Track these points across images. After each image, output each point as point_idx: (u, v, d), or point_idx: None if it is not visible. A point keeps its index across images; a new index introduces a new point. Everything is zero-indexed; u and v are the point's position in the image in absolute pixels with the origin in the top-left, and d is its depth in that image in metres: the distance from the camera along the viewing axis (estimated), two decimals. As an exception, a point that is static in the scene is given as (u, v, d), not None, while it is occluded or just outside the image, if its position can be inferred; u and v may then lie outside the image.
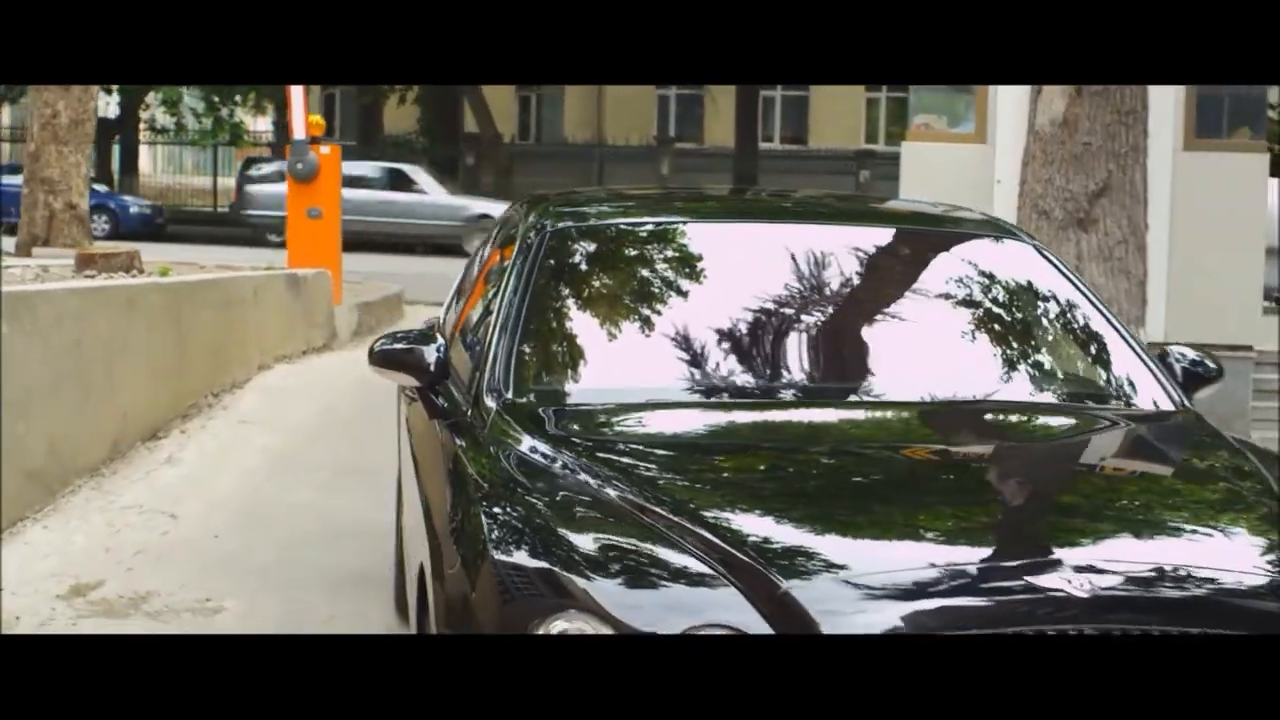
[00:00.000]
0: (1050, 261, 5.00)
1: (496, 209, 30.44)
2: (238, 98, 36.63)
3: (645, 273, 4.86)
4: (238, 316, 10.00)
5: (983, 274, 4.94)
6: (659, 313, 4.68)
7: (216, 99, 35.11)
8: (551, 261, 4.77)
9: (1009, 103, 10.18)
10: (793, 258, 4.82)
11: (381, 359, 4.75)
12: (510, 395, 4.30)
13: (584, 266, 4.90)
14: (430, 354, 4.67)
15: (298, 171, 12.67)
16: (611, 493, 3.60)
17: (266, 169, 33.40)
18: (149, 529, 7.58)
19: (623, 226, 5.14)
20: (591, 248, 4.98)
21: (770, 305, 4.65)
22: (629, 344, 4.60)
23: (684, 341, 4.54)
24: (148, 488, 8.18)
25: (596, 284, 4.85)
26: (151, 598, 6.66)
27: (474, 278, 5.87)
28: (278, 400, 9.94)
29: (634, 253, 4.97)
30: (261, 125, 43.42)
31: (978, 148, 10.54)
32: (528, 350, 4.48)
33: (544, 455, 3.89)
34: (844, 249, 4.88)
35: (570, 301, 4.76)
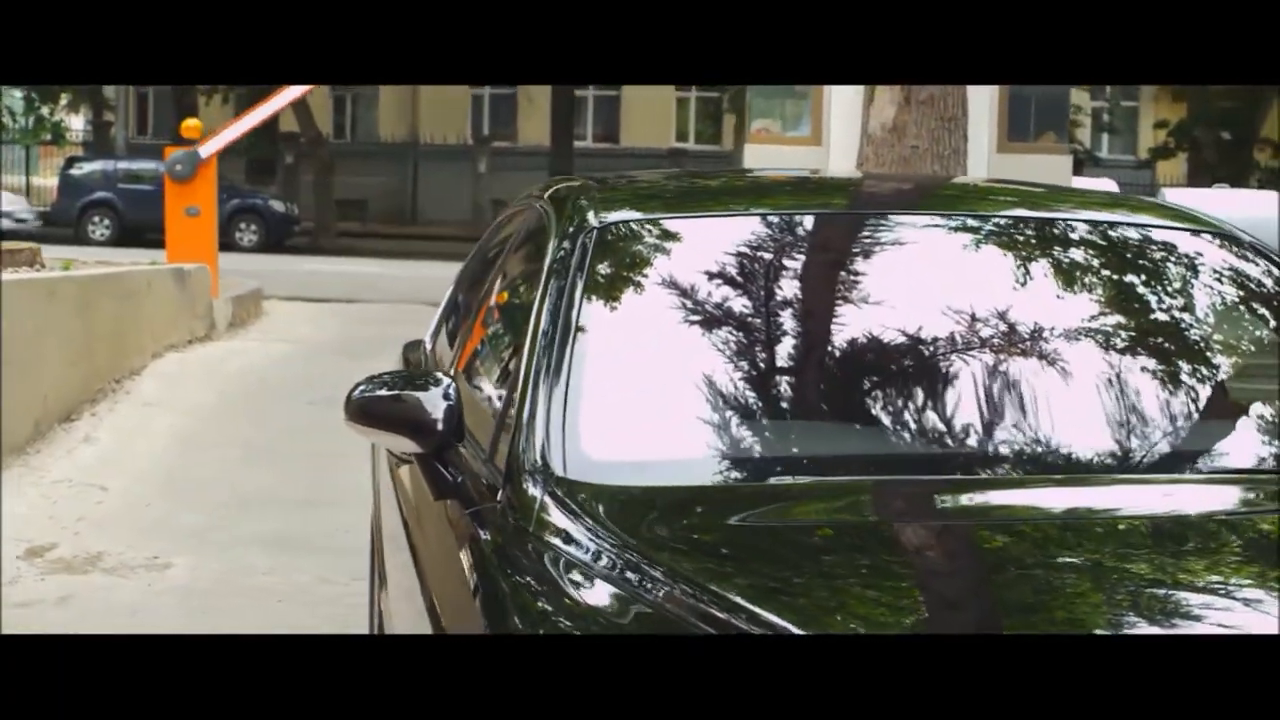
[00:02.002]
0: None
1: None
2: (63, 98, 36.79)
3: (755, 287, 3.42)
4: (134, 308, 10.73)
5: (1211, 286, 3.68)
6: (782, 344, 3.34)
7: (35, 98, 35.20)
8: (607, 273, 3.42)
9: (841, 109, 11.24)
10: (956, 262, 3.57)
11: (364, 414, 3.31)
12: (562, 473, 2.91)
13: (658, 280, 3.44)
14: (437, 405, 3.20)
15: (176, 173, 13.38)
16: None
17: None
18: (83, 500, 8.31)
19: (711, 222, 3.72)
20: (666, 253, 3.58)
21: (943, 332, 3.29)
22: (742, 391, 3.19)
23: (824, 383, 3.30)
24: (72, 464, 8.90)
25: (681, 305, 3.37)
26: (104, 557, 7.40)
27: (478, 296, 4.47)
28: (175, 385, 10.69)
29: (733, 259, 3.49)
30: (76, 124, 43.36)
31: (813, 149, 11.61)
32: (584, 406, 3.07)
33: (620, 574, 2.59)
34: (1023, 249, 3.64)
35: (640, 332, 3.33)
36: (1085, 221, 3.76)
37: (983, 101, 11.03)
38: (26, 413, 9.01)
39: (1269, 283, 3.64)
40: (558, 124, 39.01)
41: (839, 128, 11.31)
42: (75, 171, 33.56)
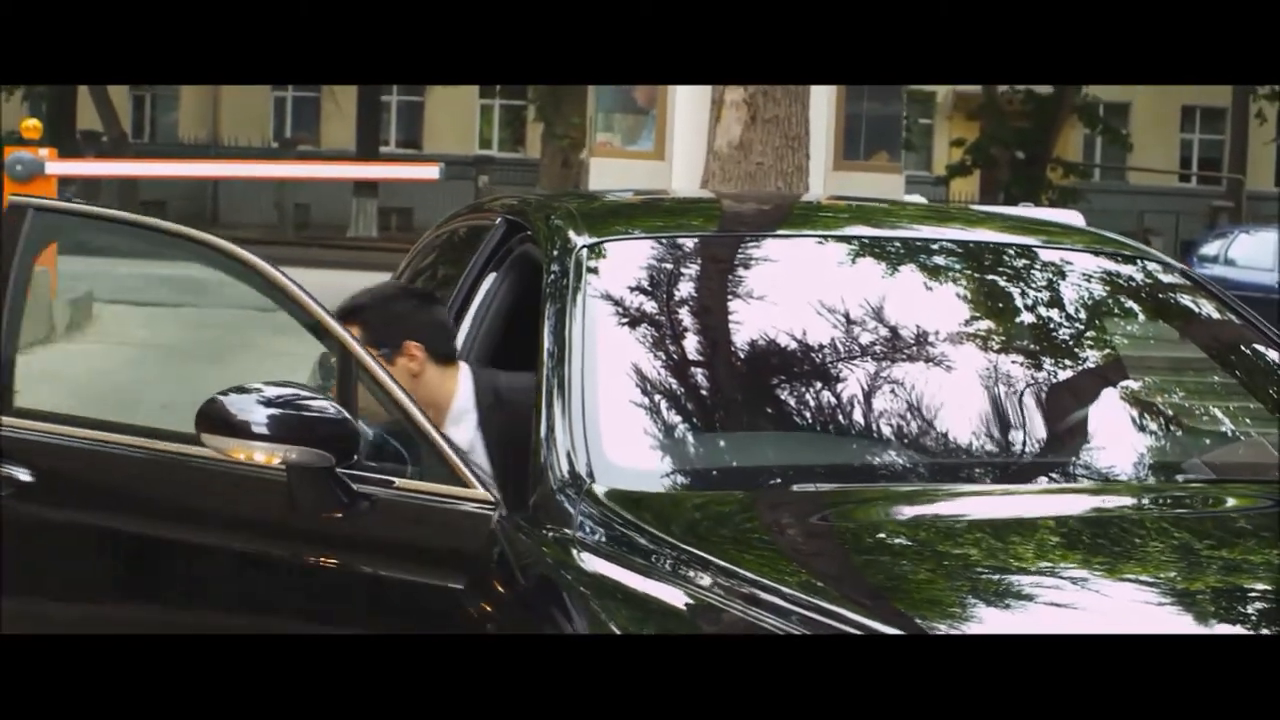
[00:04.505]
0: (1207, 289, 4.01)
1: None
2: None
3: (727, 303, 3.67)
4: (-16, 310, 10.71)
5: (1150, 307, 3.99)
6: (749, 355, 3.53)
7: None
8: (599, 291, 3.48)
9: (685, 125, 11.61)
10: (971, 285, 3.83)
11: (265, 428, 3.13)
12: (603, 482, 3.01)
13: (649, 297, 3.56)
14: (336, 410, 3.15)
15: (16, 173, 13.33)
16: None
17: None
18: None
19: (696, 242, 3.89)
20: (653, 271, 3.65)
21: (953, 353, 3.55)
22: (741, 399, 3.51)
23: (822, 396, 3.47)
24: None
25: (675, 320, 3.57)
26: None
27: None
28: (26, 388, 10.70)
29: (717, 276, 3.76)
30: None
31: (657, 164, 11.97)
32: (613, 409, 3.20)
33: (668, 565, 2.77)
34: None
35: (640, 346, 3.45)
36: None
37: (820, 120, 11.49)
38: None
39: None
40: (363, 128, 38.86)
41: (682, 144, 11.68)
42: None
